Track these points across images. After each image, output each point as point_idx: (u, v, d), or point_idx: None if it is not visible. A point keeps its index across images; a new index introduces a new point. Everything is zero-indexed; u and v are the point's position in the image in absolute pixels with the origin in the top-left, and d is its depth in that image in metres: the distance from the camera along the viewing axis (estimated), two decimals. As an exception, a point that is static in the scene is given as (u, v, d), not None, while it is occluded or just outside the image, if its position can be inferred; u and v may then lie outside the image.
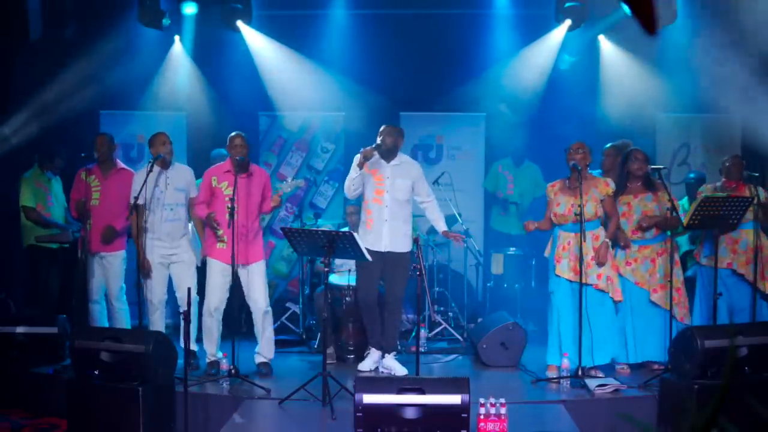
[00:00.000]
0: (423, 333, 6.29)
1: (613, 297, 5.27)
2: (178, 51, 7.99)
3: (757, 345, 4.43)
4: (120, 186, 5.79)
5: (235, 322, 5.57)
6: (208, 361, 5.47)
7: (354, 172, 5.36)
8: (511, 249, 7.22)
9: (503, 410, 4.02)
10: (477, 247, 7.26)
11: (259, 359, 5.50)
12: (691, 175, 6.86)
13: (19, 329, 5.71)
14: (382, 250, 5.39)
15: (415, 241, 5.12)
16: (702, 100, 7.57)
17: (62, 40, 7.14)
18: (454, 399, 3.82)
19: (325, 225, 6.65)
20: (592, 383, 4.92)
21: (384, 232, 5.41)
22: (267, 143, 8.14)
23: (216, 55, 7.98)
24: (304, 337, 6.68)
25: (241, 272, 5.40)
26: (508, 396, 4.17)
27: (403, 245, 5.46)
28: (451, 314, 7.02)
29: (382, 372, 5.49)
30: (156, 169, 5.41)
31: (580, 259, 5.06)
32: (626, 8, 1.52)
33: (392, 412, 3.83)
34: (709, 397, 4.20)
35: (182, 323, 4.35)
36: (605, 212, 5.32)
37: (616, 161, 6.03)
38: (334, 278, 6.05)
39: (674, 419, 4.38)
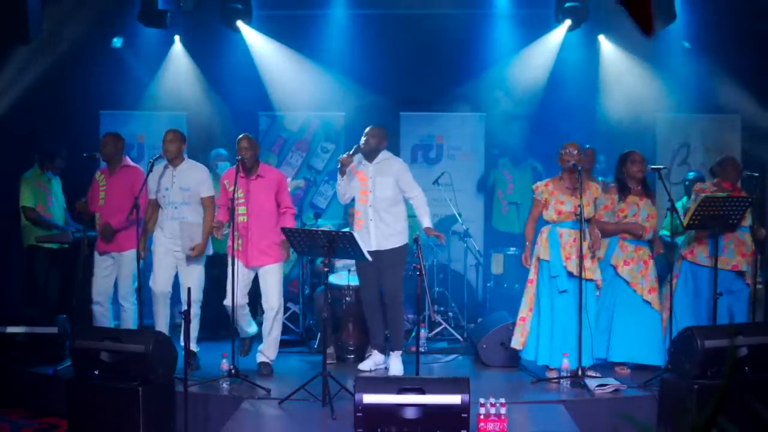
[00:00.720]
0: (423, 333, 6.29)
1: (597, 283, 5.26)
2: (178, 51, 7.99)
3: (757, 345, 4.43)
4: (124, 183, 5.71)
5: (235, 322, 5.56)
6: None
7: (338, 179, 5.51)
8: (511, 249, 7.22)
9: (503, 410, 4.02)
10: (477, 247, 7.26)
11: (261, 358, 5.49)
12: (691, 175, 6.86)
13: (19, 329, 5.71)
14: (374, 249, 5.39)
15: (415, 241, 5.10)
16: (702, 100, 7.58)
17: (62, 40, 7.14)
18: (454, 399, 3.83)
19: (325, 225, 6.65)
20: (592, 383, 4.92)
21: (371, 231, 5.44)
22: (267, 143, 8.14)
23: (216, 55, 7.98)
24: (304, 337, 6.68)
25: (258, 274, 5.44)
26: (508, 396, 4.17)
27: (391, 242, 5.46)
28: (451, 314, 7.02)
29: (385, 369, 5.50)
30: (168, 167, 5.47)
31: (580, 259, 5.06)
32: (624, 9, 1.52)
33: (392, 412, 3.83)
34: (709, 397, 4.20)
35: (183, 323, 4.35)
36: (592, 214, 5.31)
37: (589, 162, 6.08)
38: (334, 278, 6.05)
39: (674, 419, 4.38)
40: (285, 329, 6.84)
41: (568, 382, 5.02)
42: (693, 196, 5.74)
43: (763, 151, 7.15)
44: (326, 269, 4.75)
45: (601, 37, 7.86)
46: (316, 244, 4.79)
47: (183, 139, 5.56)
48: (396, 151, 6.68)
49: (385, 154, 5.58)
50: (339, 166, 5.46)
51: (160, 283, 5.52)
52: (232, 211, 5.04)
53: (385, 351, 5.69)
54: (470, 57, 7.77)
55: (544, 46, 7.78)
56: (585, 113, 7.65)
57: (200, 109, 7.98)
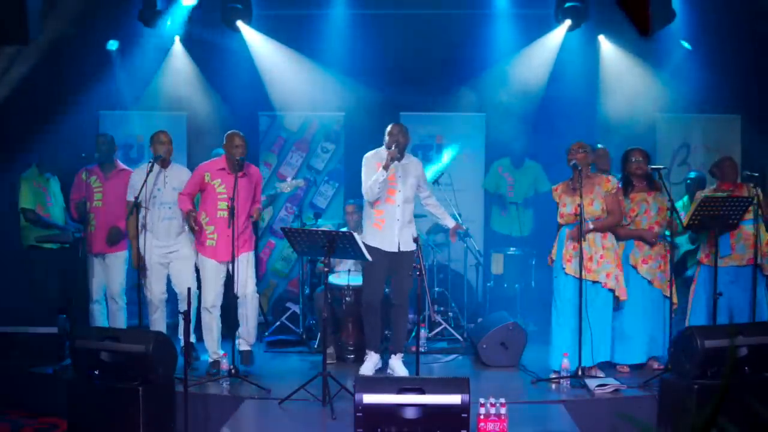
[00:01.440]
0: (423, 333, 6.29)
1: (619, 296, 5.27)
2: (178, 51, 7.99)
3: (757, 345, 4.43)
4: (121, 187, 5.82)
5: (234, 322, 5.57)
6: (210, 360, 5.47)
7: (381, 175, 5.24)
8: (511, 249, 7.22)
9: (503, 410, 4.02)
10: (477, 247, 7.26)
11: (243, 346, 5.52)
12: (691, 175, 6.86)
13: (19, 329, 5.71)
14: (395, 251, 5.35)
15: (415, 240, 5.11)
16: (702, 100, 7.58)
17: (62, 40, 7.13)
18: (454, 399, 3.82)
19: (325, 225, 6.64)
20: (592, 383, 4.92)
21: (396, 232, 5.37)
22: (267, 143, 8.14)
23: (216, 55, 7.98)
24: (304, 337, 6.67)
25: (235, 263, 5.40)
26: (508, 396, 4.17)
27: (411, 244, 5.45)
28: (451, 314, 7.01)
29: (389, 373, 5.47)
30: (155, 168, 5.44)
31: (580, 258, 5.07)
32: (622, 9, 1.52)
33: (392, 412, 3.83)
34: (709, 397, 4.20)
35: (182, 322, 4.35)
36: (607, 208, 5.30)
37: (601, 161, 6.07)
38: (334, 278, 6.04)
39: (674, 419, 4.38)
40: (285, 329, 6.86)
41: (568, 382, 5.03)
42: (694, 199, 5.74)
43: (763, 151, 7.15)
44: (326, 269, 4.75)
45: (601, 37, 7.86)
46: (316, 244, 4.79)
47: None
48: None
49: (407, 155, 5.56)
50: (388, 159, 5.20)
51: (156, 291, 5.58)
52: (232, 212, 5.04)
53: (386, 352, 5.67)
54: (470, 57, 7.76)
55: (544, 46, 7.77)
56: (585, 113, 7.64)
57: (200, 109, 7.98)
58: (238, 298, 5.47)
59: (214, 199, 5.39)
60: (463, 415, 3.81)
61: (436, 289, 7.09)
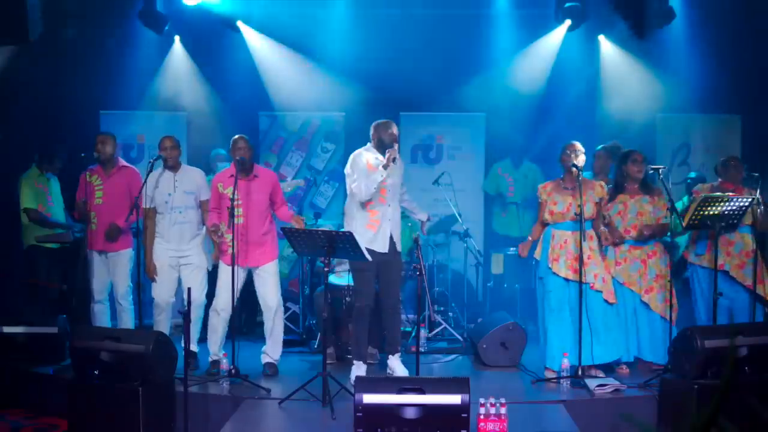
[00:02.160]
0: (423, 333, 6.28)
1: (607, 299, 5.26)
2: (178, 51, 7.99)
3: (757, 345, 4.43)
4: (122, 184, 5.79)
5: (236, 323, 5.56)
6: (210, 360, 5.47)
7: (381, 175, 5.13)
8: (511, 249, 7.20)
9: (503, 410, 4.02)
10: (477, 247, 7.26)
11: (265, 359, 5.50)
12: (692, 175, 6.86)
13: (19, 329, 5.71)
14: (386, 251, 5.29)
15: (415, 240, 5.10)
16: (702, 100, 7.58)
17: (62, 40, 7.14)
18: (454, 399, 3.82)
19: (325, 225, 6.64)
20: (592, 383, 4.92)
21: (389, 233, 5.31)
22: (267, 143, 8.14)
23: (216, 55, 7.98)
24: (304, 337, 6.68)
25: (253, 274, 5.43)
26: (508, 396, 4.17)
27: (400, 244, 5.44)
28: (451, 314, 7.01)
29: (388, 373, 5.46)
30: (167, 173, 5.46)
31: (580, 258, 5.06)
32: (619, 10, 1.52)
33: (392, 412, 3.83)
34: (709, 397, 4.20)
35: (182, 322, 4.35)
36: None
37: (607, 163, 6.06)
38: (334, 278, 6.04)
39: (674, 419, 4.39)
40: (285, 329, 6.83)
41: (568, 382, 5.03)
42: (692, 197, 5.74)
43: (763, 151, 7.15)
44: (326, 269, 4.75)
45: (601, 37, 7.87)
46: (316, 244, 4.78)
47: (179, 143, 5.63)
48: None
49: None
50: (389, 159, 5.09)
51: (164, 294, 5.56)
52: (231, 214, 5.03)
53: (383, 353, 5.66)
54: (470, 57, 7.77)
55: (544, 46, 7.78)
56: (585, 113, 7.65)
57: (200, 109, 7.99)
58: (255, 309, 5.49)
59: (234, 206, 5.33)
60: (463, 415, 3.81)
61: (436, 289, 7.09)
